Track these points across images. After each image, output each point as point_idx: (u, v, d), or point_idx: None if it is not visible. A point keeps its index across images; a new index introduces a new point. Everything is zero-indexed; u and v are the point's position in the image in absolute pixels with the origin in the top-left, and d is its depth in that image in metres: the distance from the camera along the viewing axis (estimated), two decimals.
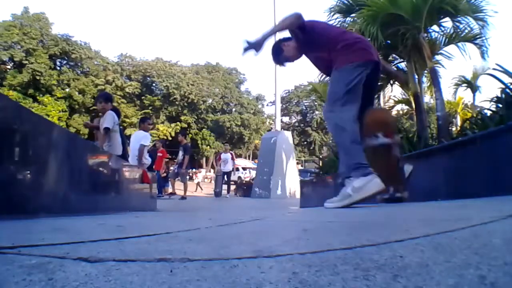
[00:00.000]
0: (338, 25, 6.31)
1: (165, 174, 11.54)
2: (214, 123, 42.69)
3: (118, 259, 0.71)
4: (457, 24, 5.45)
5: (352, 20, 6.16)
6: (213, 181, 20.68)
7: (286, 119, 46.80)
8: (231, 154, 12.12)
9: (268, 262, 0.68)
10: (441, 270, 0.57)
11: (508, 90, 3.44)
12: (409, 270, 0.58)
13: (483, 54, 5.37)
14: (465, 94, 14.04)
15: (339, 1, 6.12)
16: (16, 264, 0.67)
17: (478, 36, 5.28)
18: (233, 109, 45.31)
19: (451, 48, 5.79)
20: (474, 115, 5.48)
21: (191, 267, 0.66)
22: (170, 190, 10.78)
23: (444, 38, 5.63)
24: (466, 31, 5.35)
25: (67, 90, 36.03)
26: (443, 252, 0.69)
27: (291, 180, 11.74)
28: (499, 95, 3.59)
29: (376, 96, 7.07)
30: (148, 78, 40.83)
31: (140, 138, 6.08)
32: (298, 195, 9.52)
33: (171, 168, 12.15)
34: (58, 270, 0.64)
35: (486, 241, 0.78)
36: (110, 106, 4.61)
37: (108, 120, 4.31)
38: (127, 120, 35.50)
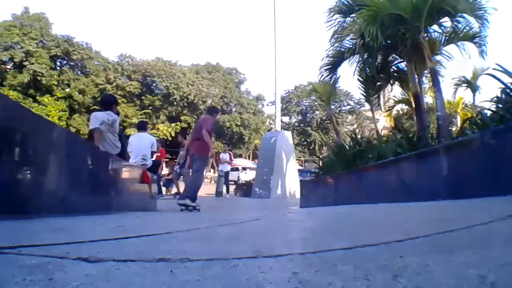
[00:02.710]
0: (338, 26, 6.32)
1: (170, 177, 11.58)
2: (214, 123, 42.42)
3: (118, 259, 0.71)
4: (456, 23, 5.45)
5: (352, 20, 6.16)
6: (213, 181, 20.67)
7: (286, 119, 46.74)
8: (229, 154, 12.14)
9: (268, 262, 0.68)
10: (441, 270, 0.57)
11: (508, 90, 3.44)
12: (409, 270, 0.58)
13: (481, 53, 5.36)
14: (465, 94, 13.99)
15: (338, 2, 6.11)
16: (16, 264, 0.67)
17: (477, 35, 5.28)
18: (233, 109, 45.20)
19: (450, 48, 5.79)
20: (474, 115, 5.48)
21: (191, 267, 0.66)
22: (174, 190, 10.81)
23: (444, 37, 5.63)
24: (465, 30, 5.35)
25: (67, 90, 35.93)
26: (443, 252, 0.69)
27: (291, 180, 11.73)
28: (499, 95, 3.58)
29: (376, 96, 7.10)
30: (148, 78, 40.75)
31: (152, 143, 6.39)
32: (298, 195, 9.51)
33: (174, 168, 12.17)
34: (58, 270, 0.64)
35: (486, 241, 0.78)
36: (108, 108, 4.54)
37: (91, 122, 4.30)
38: (127, 120, 35.41)
